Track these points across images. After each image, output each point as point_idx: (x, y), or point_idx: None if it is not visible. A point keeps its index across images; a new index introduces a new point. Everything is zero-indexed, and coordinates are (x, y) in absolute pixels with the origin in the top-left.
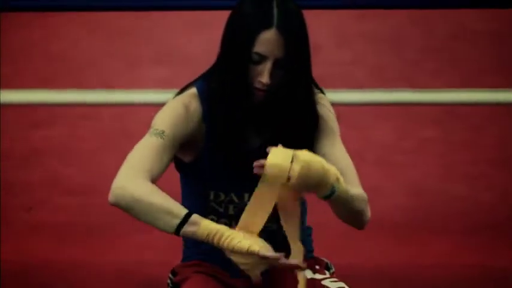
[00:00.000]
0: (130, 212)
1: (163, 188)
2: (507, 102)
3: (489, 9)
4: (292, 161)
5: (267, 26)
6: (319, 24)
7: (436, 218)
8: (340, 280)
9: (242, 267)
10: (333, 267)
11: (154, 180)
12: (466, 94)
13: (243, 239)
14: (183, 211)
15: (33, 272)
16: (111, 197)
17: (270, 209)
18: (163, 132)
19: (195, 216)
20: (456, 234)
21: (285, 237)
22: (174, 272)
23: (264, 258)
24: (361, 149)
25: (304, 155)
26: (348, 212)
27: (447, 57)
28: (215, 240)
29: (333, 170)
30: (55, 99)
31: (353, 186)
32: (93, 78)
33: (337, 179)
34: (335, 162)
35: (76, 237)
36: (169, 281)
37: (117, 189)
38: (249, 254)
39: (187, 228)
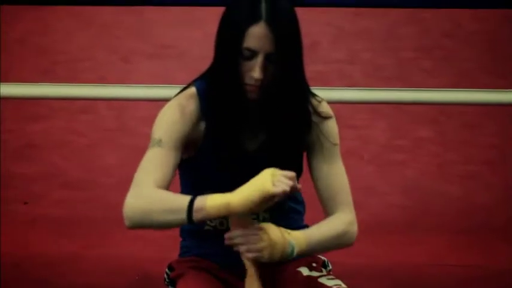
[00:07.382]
0: (146, 227)
1: None
2: (502, 102)
3: (484, 9)
4: None
5: (255, 20)
6: (315, 21)
7: (430, 218)
8: (337, 278)
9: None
10: (329, 264)
11: (164, 188)
12: (461, 93)
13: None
14: (185, 204)
15: (31, 265)
16: (126, 222)
17: None
18: (160, 140)
19: (197, 202)
20: (450, 233)
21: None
22: (170, 267)
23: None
24: (355, 148)
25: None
26: (329, 249)
27: (442, 56)
28: (227, 212)
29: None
30: (53, 93)
31: (342, 209)
32: (88, 72)
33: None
34: (331, 184)
35: (73, 230)
36: (165, 276)
37: (128, 212)
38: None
39: (197, 217)
